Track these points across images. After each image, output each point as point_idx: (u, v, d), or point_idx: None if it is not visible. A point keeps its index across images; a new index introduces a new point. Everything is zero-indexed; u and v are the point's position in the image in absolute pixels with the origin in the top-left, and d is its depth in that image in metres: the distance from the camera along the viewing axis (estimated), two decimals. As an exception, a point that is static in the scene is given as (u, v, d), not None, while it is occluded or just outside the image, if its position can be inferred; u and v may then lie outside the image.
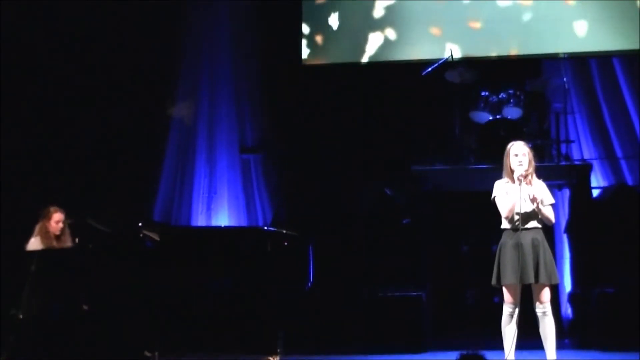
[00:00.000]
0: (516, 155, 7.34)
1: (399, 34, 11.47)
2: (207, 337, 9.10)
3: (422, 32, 11.39)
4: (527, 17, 11.31)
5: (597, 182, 10.95)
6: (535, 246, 7.24)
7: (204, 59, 11.82)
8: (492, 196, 7.43)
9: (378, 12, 11.52)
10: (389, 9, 11.50)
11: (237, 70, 11.85)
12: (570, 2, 11.24)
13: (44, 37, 11.25)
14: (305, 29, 11.66)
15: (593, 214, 10.16)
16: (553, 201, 7.45)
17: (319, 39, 11.68)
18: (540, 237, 7.30)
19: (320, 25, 11.66)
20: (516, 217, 7.31)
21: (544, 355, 7.30)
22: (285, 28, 11.69)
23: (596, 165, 10.98)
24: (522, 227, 7.29)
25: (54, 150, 10.99)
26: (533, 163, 7.38)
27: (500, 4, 11.32)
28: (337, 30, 11.62)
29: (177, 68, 11.72)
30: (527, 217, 7.31)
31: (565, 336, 9.74)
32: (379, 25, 11.51)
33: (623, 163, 11.34)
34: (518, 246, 7.26)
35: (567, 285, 10.33)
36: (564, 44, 11.28)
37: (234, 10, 11.89)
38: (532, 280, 7.23)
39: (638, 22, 11.09)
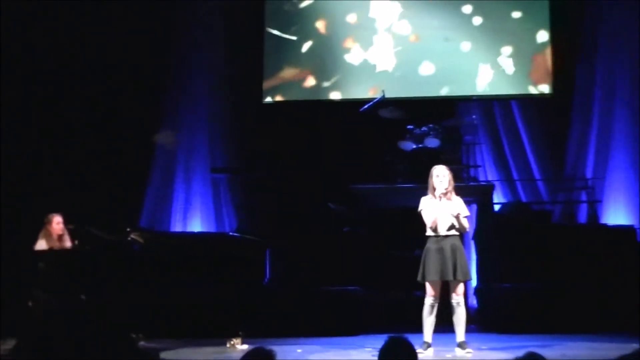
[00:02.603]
0: (437, 176, 7.47)
1: (344, 94, 11.51)
2: (183, 324, 9.02)
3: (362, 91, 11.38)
4: (443, 72, 11.36)
5: (498, 199, 11.04)
6: (453, 250, 7.36)
7: (184, 96, 11.72)
8: (419, 209, 7.52)
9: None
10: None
11: (210, 106, 11.77)
12: (483, 73, 11.30)
13: (38, 60, 11.11)
14: (266, 74, 11.65)
15: (495, 224, 10.29)
16: (468, 213, 7.63)
17: (277, 83, 11.66)
18: (458, 242, 7.45)
19: (278, 72, 11.66)
20: (441, 227, 7.39)
21: (454, 337, 7.46)
22: (250, 73, 11.68)
23: (498, 185, 11.08)
24: (442, 234, 7.40)
25: (59, 168, 10.90)
26: (452, 183, 7.53)
27: (422, 72, 11.33)
28: (290, 81, 11.64)
29: (162, 102, 11.65)
30: (446, 226, 7.42)
31: (471, 322, 9.79)
32: (325, 91, 11.56)
33: (518, 184, 11.49)
34: (440, 250, 7.36)
35: (474, 281, 10.33)
36: (474, 89, 11.37)
37: (210, 58, 11.85)
38: (451, 277, 7.36)
39: (528, 74, 11.23)
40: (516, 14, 11.27)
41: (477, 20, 11.31)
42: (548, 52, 11.16)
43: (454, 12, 11.33)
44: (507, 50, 11.24)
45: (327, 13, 11.61)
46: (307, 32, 11.60)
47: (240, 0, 11.79)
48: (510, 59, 11.20)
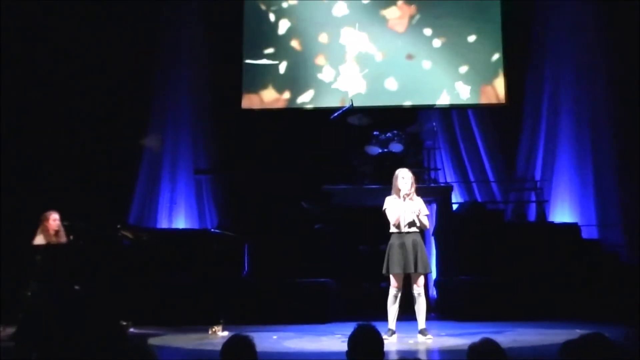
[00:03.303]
0: (403, 178, 7.47)
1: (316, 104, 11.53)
2: (168, 313, 9.01)
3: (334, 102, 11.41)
4: (406, 83, 11.42)
5: (456, 198, 11.11)
6: (414, 246, 7.37)
7: (169, 104, 11.73)
8: (383, 208, 7.53)
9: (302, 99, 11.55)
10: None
11: (193, 112, 11.77)
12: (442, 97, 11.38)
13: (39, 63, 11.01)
14: (245, 84, 11.64)
15: (453, 222, 10.33)
16: (428, 212, 7.65)
17: (255, 93, 11.65)
18: (419, 238, 7.45)
19: (255, 85, 11.66)
20: (403, 224, 7.41)
21: (417, 325, 7.47)
22: (229, 83, 11.66)
23: (455, 187, 11.13)
24: (405, 231, 7.42)
25: (55, 169, 10.85)
26: (415, 185, 7.53)
27: (388, 86, 11.39)
28: (267, 92, 11.62)
29: (150, 110, 11.62)
30: (408, 224, 7.43)
31: (432, 311, 9.81)
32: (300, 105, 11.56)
33: (474, 186, 11.57)
34: (402, 245, 7.37)
35: (434, 274, 10.35)
36: (435, 98, 11.43)
37: (192, 67, 11.84)
38: (412, 270, 7.36)
39: (480, 86, 11.31)
40: (472, 38, 11.42)
41: (437, 43, 11.43)
42: (498, 81, 11.29)
43: (416, 35, 11.44)
44: (463, 69, 11.36)
45: (301, 33, 11.65)
46: (283, 52, 11.61)
47: (220, 28, 11.77)
48: (468, 87, 11.31)
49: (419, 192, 7.80)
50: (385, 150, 10.46)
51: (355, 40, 11.49)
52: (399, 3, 11.56)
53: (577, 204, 11.06)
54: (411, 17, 11.51)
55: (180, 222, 11.36)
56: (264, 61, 11.52)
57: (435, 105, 11.40)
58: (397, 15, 11.53)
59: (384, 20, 11.53)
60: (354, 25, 11.50)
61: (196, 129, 11.74)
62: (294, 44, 11.65)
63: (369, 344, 4.02)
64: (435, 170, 11.01)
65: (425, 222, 7.52)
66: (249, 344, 4.01)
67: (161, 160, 11.55)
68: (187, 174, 11.57)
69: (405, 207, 7.43)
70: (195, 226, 11.27)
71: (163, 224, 11.30)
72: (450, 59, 11.38)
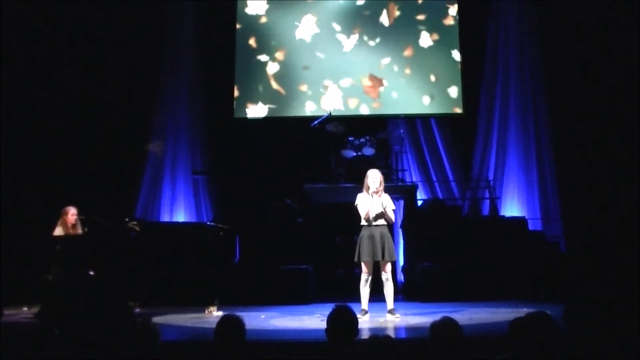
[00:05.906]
0: (372, 177, 7.50)
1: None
2: (170, 295, 9.01)
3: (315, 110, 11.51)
4: (377, 94, 11.55)
5: (420, 196, 11.16)
6: (382, 237, 7.39)
7: (170, 112, 11.72)
8: (355, 204, 7.55)
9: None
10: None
11: (191, 122, 11.77)
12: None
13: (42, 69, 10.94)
14: (237, 94, 11.70)
15: (417, 216, 10.34)
16: (394, 207, 7.63)
17: (245, 102, 11.71)
18: (386, 230, 7.45)
19: (246, 95, 11.71)
20: (373, 218, 7.46)
21: (386, 306, 7.52)
22: (223, 94, 11.69)
23: (420, 185, 11.20)
24: (374, 224, 7.45)
25: (73, 171, 10.82)
26: (383, 184, 7.55)
27: (361, 111, 11.53)
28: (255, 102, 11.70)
29: (153, 120, 11.63)
30: (377, 217, 7.48)
31: (399, 294, 9.88)
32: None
33: (436, 185, 11.64)
34: (371, 236, 7.40)
35: (401, 261, 10.47)
36: (403, 108, 11.54)
37: (190, 82, 11.85)
38: (379, 258, 7.38)
39: (444, 97, 11.42)
40: (433, 77, 11.61)
41: (404, 75, 11.65)
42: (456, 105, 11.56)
43: (387, 70, 11.70)
44: (426, 99, 11.55)
45: (287, 70, 11.80)
46: (270, 91, 11.73)
47: (214, 56, 11.82)
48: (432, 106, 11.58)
49: (389, 190, 7.83)
50: (359, 153, 10.46)
51: (333, 90, 11.68)
52: (370, 76, 11.69)
53: (524, 200, 11.17)
54: (381, 87, 11.68)
55: (180, 217, 11.34)
56: (256, 109, 11.66)
57: (401, 114, 11.49)
58: (369, 85, 11.70)
59: (359, 83, 11.70)
60: (331, 79, 11.68)
61: (193, 135, 11.72)
62: (281, 76, 11.75)
63: (345, 323, 4.12)
64: (402, 171, 11.04)
65: (392, 216, 7.51)
66: (238, 323, 4.09)
67: (163, 163, 11.53)
68: (185, 174, 11.54)
69: (373, 202, 7.46)
70: (193, 220, 11.25)
71: (165, 217, 11.28)
72: (415, 91, 11.60)
